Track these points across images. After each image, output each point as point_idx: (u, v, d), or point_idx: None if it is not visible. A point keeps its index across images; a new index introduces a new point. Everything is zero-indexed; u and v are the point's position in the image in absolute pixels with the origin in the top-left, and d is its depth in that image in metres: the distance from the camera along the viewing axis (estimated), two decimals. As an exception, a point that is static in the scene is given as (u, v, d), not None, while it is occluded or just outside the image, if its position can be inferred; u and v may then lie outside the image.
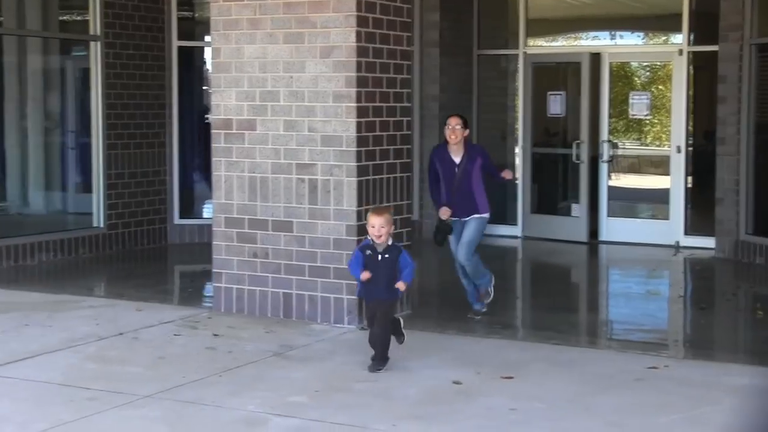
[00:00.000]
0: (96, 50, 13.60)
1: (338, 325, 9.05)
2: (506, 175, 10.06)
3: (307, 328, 9.02)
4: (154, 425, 6.45)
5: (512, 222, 15.47)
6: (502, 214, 15.54)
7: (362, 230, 9.10)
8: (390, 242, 7.69)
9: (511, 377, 7.44)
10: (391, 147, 9.44)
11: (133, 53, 13.79)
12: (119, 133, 13.66)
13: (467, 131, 9.43)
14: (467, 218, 9.42)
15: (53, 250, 12.99)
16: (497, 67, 16.37)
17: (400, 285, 7.68)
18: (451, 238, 9.56)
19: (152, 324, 9.24)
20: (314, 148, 9.13)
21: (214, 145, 9.69)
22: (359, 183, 9.04)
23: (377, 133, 9.26)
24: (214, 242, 9.66)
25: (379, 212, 7.69)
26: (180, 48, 14.34)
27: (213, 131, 9.73)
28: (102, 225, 13.72)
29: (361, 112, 9.00)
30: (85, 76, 13.79)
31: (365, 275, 7.54)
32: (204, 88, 14.72)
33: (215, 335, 8.76)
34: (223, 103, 9.51)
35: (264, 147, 9.34)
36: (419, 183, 14.72)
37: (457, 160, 9.38)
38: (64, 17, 14.21)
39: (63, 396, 7.08)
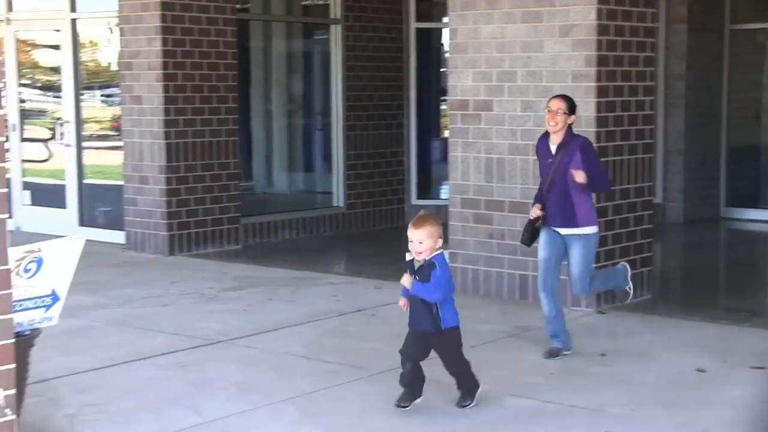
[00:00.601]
0: (336, 33, 13.99)
1: (575, 308, 9.03)
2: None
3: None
4: (391, 400, 6.61)
5: (765, 206, 14.89)
6: (754, 197, 15.10)
7: (601, 212, 9.09)
8: (428, 258, 6.30)
9: (761, 367, 7.27)
10: (633, 127, 9.35)
11: (371, 35, 14.10)
12: (358, 114, 14.02)
13: (573, 118, 7.59)
14: (564, 232, 7.63)
15: (295, 228, 13.46)
16: (752, 42, 15.72)
17: (405, 279, 6.34)
18: (540, 245, 7.77)
19: (389, 302, 9.40)
20: (552, 129, 9.17)
21: (450, 126, 9.86)
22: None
23: (618, 113, 9.20)
24: (450, 223, 9.78)
25: (419, 223, 6.32)
26: (418, 29, 14.53)
27: (450, 112, 9.90)
28: (341, 204, 14.14)
29: (601, 92, 8.96)
30: (325, 59, 14.18)
31: (401, 302, 6.47)
32: (441, 69, 14.89)
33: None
34: (460, 84, 9.65)
35: (501, 128, 9.42)
36: (663, 164, 14.46)
37: (554, 150, 7.61)
38: (307, 2, 14.65)
39: (304, 368, 7.44)
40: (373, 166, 14.29)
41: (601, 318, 8.88)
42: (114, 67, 13.18)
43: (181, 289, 10.18)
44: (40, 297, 5.97)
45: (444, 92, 13.75)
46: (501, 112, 9.40)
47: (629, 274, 8.09)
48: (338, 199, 14.19)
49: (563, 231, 7.61)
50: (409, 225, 6.35)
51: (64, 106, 13.35)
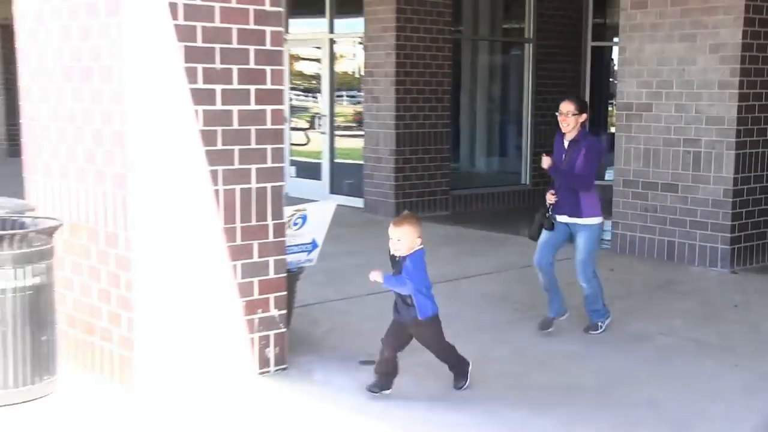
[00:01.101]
0: (528, 50, 13.94)
1: (713, 269, 8.87)
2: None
3: (686, 269, 8.91)
4: (558, 335, 6.70)
5: None
6: None
7: (738, 193, 8.84)
8: (405, 255, 5.34)
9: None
10: None
11: (556, 52, 13.95)
12: (543, 113, 13.77)
13: (584, 116, 6.52)
14: (570, 221, 6.53)
15: (490, 201, 13.50)
16: None
17: (374, 274, 5.33)
18: (542, 238, 6.65)
19: (558, 259, 9.43)
20: (699, 127, 8.95)
21: (617, 123, 9.75)
22: (737, 155, 8.77)
23: (756, 114, 8.90)
24: (614, 199, 9.71)
25: (398, 223, 5.37)
26: (593, 47, 14.31)
27: (617, 112, 9.78)
28: (527, 183, 14.09)
29: (742, 97, 8.71)
30: (519, 69, 14.12)
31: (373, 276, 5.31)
32: (610, 79, 14.60)
33: (611, 270, 8.83)
34: (626, 90, 9.52)
35: (657, 125, 9.26)
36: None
37: (566, 146, 6.61)
38: (506, 25, 14.57)
39: (497, 305, 7.55)
40: (556, 153, 14.18)
41: (734, 277, 8.67)
42: (357, 75, 13.47)
43: (380, 246, 10.19)
44: (303, 244, 6.23)
45: (611, 97, 13.60)
46: (658, 113, 9.24)
47: (608, 320, 6.75)
48: (525, 178, 14.17)
49: (569, 220, 6.53)
50: (390, 224, 5.40)
51: (321, 104, 13.75)
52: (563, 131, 6.56)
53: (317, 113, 13.86)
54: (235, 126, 5.52)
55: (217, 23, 5.39)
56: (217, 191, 5.49)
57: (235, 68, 5.49)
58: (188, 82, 5.33)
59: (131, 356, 5.37)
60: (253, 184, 5.64)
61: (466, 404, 5.28)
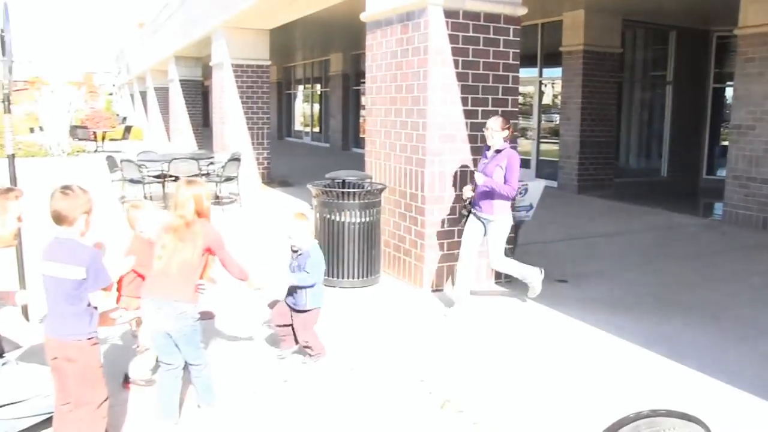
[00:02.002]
0: (669, 89, 12.93)
1: (715, 218, 8.22)
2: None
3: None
4: (686, 271, 6.28)
5: None
6: None
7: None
8: (304, 249, 3.85)
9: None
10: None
11: (688, 90, 12.87)
12: (680, 128, 12.86)
13: (504, 132, 4.86)
14: (484, 216, 4.96)
15: (639, 186, 12.52)
16: None
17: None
18: (466, 227, 5.06)
19: (685, 225, 8.86)
20: (790, 141, 8.08)
21: (729, 138, 8.95)
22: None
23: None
24: (726, 188, 8.95)
25: (294, 221, 3.88)
26: (714, 87, 13.07)
27: (729, 130, 8.98)
28: (665, 174, 13.03)
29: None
30: (662, 101, 13.12)
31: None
32: (724, 110, 13.22)
33: (723, 233, 8.20)
34: (738, 116, 8.69)
35: (758, 139, 8.45)
36: None
37: (488, 155, 4.98)
38: (653, 72, 13.44)
39: (643, 251, 7.08)
40: (687, 157, 13.10)
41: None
42: (553, 103, 13.07)
43: (569, 211, 9.80)
44: (525, 206, 6.08)
45: (723, 121, 12.38)
46: (760, 131, 8.42)
47: (541, 277, 5.18)
48: (663, 171, 13.17)
49: (483, 215, 4.98)
50: (289, 221, 3.89)
51: (532, 122, 13.39)
52: (487, 143, 4.98)
53: (527, 127, 13.60)
54: (488, 133, 5.57)
55: (480, 71, 5.51)
56: (473, 171, 5.48)
57: (489, 98, 5.56)
58: (462, 105, 5.48)
59: (422, 267, 5.58)
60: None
61: (617, 313, 5.13)
